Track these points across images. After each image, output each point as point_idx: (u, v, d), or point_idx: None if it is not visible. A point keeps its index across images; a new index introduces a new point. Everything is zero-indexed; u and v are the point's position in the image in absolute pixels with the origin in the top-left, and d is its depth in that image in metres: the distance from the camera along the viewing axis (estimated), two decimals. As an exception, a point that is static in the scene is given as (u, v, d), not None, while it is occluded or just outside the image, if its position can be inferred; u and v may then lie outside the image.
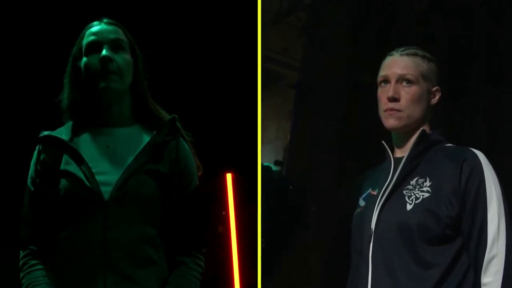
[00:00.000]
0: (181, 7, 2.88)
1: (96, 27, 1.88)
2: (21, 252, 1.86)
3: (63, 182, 1.80)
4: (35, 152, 1.88)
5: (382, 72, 2.06)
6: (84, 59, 1.85)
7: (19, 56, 3.10)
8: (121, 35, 1.89)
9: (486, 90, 2.85)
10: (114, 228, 1.75)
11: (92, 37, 1.86)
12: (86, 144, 1.85)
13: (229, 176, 3.82)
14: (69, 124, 1.91)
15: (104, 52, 1.82)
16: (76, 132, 1.88)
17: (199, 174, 1.96)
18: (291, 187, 2.90)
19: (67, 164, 1.81)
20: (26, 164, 1.91)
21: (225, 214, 3.77)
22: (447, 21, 2.91)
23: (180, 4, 2.87)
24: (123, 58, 1.86)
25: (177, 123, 1.94)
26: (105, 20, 1.91)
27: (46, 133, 1.87)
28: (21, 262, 1.85)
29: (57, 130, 1.89)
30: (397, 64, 2.03)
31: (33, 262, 1.84)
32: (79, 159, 1.81)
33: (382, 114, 2.05)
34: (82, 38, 1.89)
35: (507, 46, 2.80)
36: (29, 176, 1.88)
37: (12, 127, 3.02)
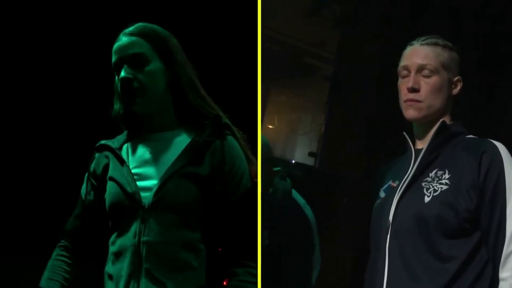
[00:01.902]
0: (181, 7, 2.91)
1: (117, 43, 1.84)
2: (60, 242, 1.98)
3: (109, 188, 1.84)
4: (91, 160, 1.95)
5: (402, 63, 2.04)
6: (116, 78, 1.86)
7: (73, 64, 3.18)
8: (142, 46, 1.82)
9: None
10: (150, 232, 1.74)
11: (114, 57, 1.83)
12: (133, 151, 1.87)
13: None
14: (126, 132, 1.94)
15: (122, 73, 1.79)
16: (128, 139, 1.91)
17: (254, 173, 1.88)
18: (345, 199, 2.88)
19: (114, 171, 1.85)
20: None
21: None
22: (481, 12, 2.85)
23: (180, 4, 2.90)
24: (146, 72, 1.81)
25: (225, 120, 1.87)
26: (127, 31, 1.85)
27: (102, 142, 1.93)
28: (54, 250, 1.97)
29: (115, 138, 1.94)
30: (417, 54, 2.01)
31: (62, 253, 1.95)
32: (122, 165, 1.84)
33: (402, 104, 2.03)
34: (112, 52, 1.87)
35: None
36: (84, 180, 1.96)
37: (73, 135, 3.10)
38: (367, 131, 3.10)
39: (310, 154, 3.31)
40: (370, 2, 3.06)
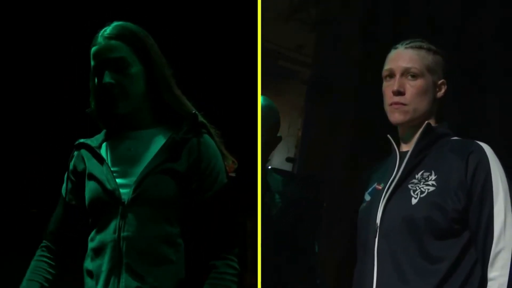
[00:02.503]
0: (183, 4, 2.90)
1: (97, 46, 1.85)
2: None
3: (88, 185, 1.88)
4: (70, 159, 1.97)
5: (387, 66, 2.04)
6: (95, 79, 1.87)
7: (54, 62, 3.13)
8: (122, 50, 1.84)
9: (500, 86, 2.82)
10: (130, 228, 1.78)
11: (94, 61, 1.86)
12: (111, 149, 1.91)
13: None
14: (104, 131, 1.97)
15: (105, 78, 1.82)
16: (106, 138, 1.94)
17: (234, 168, 1.95)
18: (325, 204, 2.89)
19: (93, 169, 1.88)
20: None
21: None
22: (461, 14, 2.88)
23: (180, 4, 2.89)
24: (128, 76, 1.84)
25: (201, 119, 1.91)
26: (106, 34, 1.86)
27: (81, 140, 1.95)
28: (37, 251, 1.98)
29: (94, 137, 1.96)
30: (401, 57, 2.01)
31: (44, 253, 1.96)
32: (102, 163, 1.87)
33: (387, 108, 2.03)
34: (90, 54, 1.88)
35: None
36: (65, 179, 1.97)
37: (53, 134, 3.06)
38: (346, 135, 3.11)
39: (288, 159, 3.31)
40: (348, 5, 3.06)
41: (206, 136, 1.89)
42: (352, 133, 3.06)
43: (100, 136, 1.96)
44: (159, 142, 1.87)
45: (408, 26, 2.86)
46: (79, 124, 1.99)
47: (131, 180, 1.82)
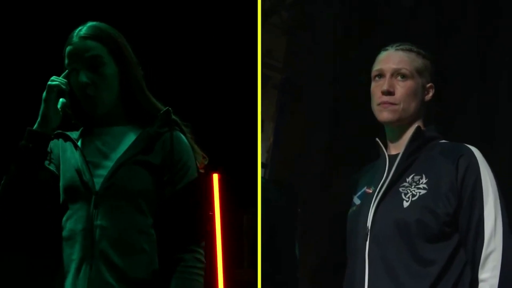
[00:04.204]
0: (181, 7, 2.86)
1: (72, 46, 1.88)
2: None
3: (63, 172, 1.91)
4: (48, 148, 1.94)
5: (377, 66, 2.05)
6: (71, 79, 1.89)
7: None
8: (98, 50, 1.88)
9: (479, 87, 2.88)
10: (103, 217, 1.82)
11: (69, 60, 1.88)
12: (87, 143, 1.94)
13: (215, 176, 3.80)
14: (81, 129, 2.00)
15: (80, 77, 1.86)
16: (82, 134, 1.98)
17: (205, 164, 1.99)
18: (299, 209, 2.88)
19: (69, 158, 1.92)
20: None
21: (211, 214, 3.74)
22: (436, 16, 2.92)
23: (180, 4, 2.85)
24: (102, 75, 1.88)
25: (173, 116, 1.95)
26: (81, 33, 1.88)
27: (59, 131, 1.96)
28: None
29: (73, 132, 1.99)
30: (392, 58, 2.03)
31: None
32: (77, 154, 1.91)
33: (375, 108, 2.04)
34: (64, 53, 1.90)
35: (501, 41, 2.83)
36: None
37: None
38: (318, 139, 3.11)
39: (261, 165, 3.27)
40: (320, 8, 3.07)
41: (178, 133, 1.94)
42: (324, 137, 3.07)
43: (77, 132, 2.00)
44: (131, 137, 1.92)
45: (380, 30, 2.89)
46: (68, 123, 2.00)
47: (105, 171, 1.86)
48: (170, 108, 1.96)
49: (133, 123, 1.96)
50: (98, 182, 1.85)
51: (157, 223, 1.87)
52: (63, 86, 1.86)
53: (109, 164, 1.87)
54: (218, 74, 2.84)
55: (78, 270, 1.81)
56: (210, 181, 3.80)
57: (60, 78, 1.88)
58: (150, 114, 1.94)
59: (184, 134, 1.96)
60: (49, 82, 1.87)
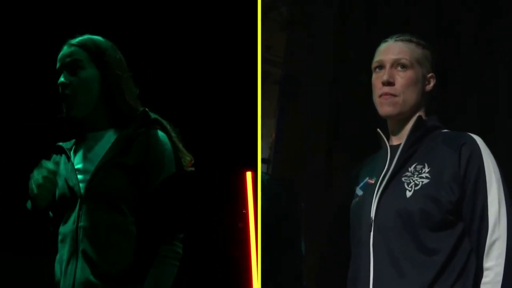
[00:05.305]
0: (181, 3, 2.87)
1: (61, 52, 2.04)
2: None
3: (57, 182, 2.02)
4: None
5: (377, 58, 2.05)
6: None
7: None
8: (79, 55, 2.01)
9: (479, 87, 2.88)
10: (85, 218, 1.94)
11: (57, 64, 2.03)
12: (77, 150, 2.07)
13: (249, 175, 3.80)
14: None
15: (60, 78, 2.00)
16: (76, 140, 2.10)
17: (190, 164, 2.05)
18: (303, 204, 2.87)
19: (62, 169, 2.05)
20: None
21: (245, 212, 3.73)
22: (436, 16, 2.93)
23: (180, 4, 2.85)
24: (80, 78, 2.00)
25: (154, 116, 2.03)
26: (72, 41, 2.04)
27: (58, 144, 2.11)
28: None
29: (70, 141, 2.11)
30: (391, 49, 2.03)
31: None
32: (69, 162, 2.05)
33: (376, 100, 2.03)
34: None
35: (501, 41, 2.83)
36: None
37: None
38: (319, 134, 3.10)
39: (262, 161, 3.27)
40: (319, 3, 3.07)
41: (156, 132, 2.00)
42: (326, 132, 3.06)
43: (72, 141, 2.12)
44: (113, 139, 2.01)
45: (380, 25, 2.88)
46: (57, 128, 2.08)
47: (89, 175, 1.98)
48: (146, 109, 2.04)
49: (116, 127, 2.04)
50: (83, 186, 1.97)
51: (138, 220, 1.96)
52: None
53: (92, 168, 1.98)
54: (218, 73, 2.84)
55: (65, 270, 1.94)
56: (244, 179, 3.80)
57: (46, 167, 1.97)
58: (131, 118, 2.02)
59: (168, 133, 2.03)
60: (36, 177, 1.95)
